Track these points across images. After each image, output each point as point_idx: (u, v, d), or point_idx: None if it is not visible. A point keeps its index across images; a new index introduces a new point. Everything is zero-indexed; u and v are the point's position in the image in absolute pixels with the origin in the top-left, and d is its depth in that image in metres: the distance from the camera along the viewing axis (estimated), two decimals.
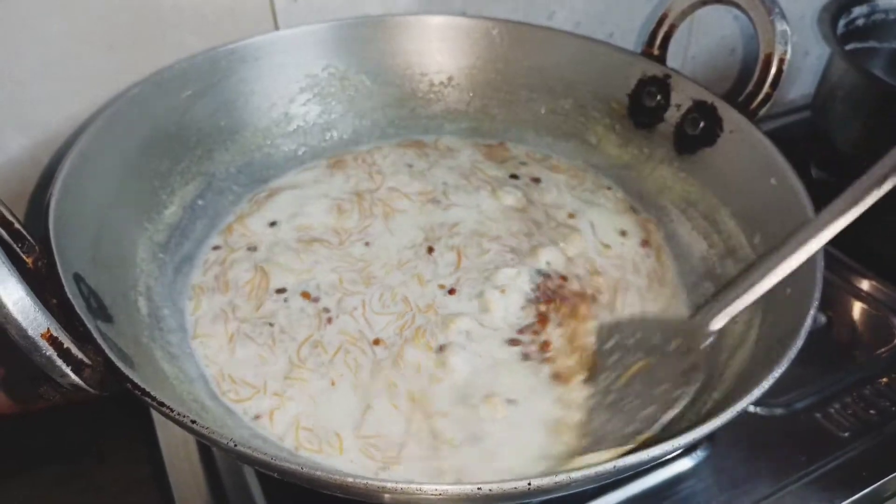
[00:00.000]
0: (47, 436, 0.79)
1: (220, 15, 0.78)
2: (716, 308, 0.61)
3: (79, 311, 0.50)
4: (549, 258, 0.74)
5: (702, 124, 0.78)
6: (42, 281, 0.52)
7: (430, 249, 0.75)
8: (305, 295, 0.70)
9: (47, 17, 0.69)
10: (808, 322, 0.55)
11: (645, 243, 0.78)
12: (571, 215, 0.80)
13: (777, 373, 0.51)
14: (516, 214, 0.80)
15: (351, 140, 0.88)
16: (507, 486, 0.43)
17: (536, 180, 0.85)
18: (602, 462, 0.45)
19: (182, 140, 0.75)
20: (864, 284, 0.84)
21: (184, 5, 0.76)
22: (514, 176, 0.85)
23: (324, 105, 0.86)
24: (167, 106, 0.74)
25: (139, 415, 0.72)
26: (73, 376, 0.45)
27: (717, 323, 0.61)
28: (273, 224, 0.77)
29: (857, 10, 0.96)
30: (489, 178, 0.85)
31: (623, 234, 0.79)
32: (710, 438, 0.68)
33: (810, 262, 0.60)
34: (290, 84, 0.83)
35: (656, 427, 0.56)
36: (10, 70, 0.70)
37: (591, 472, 0.44)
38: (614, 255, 0.76)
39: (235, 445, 0.44)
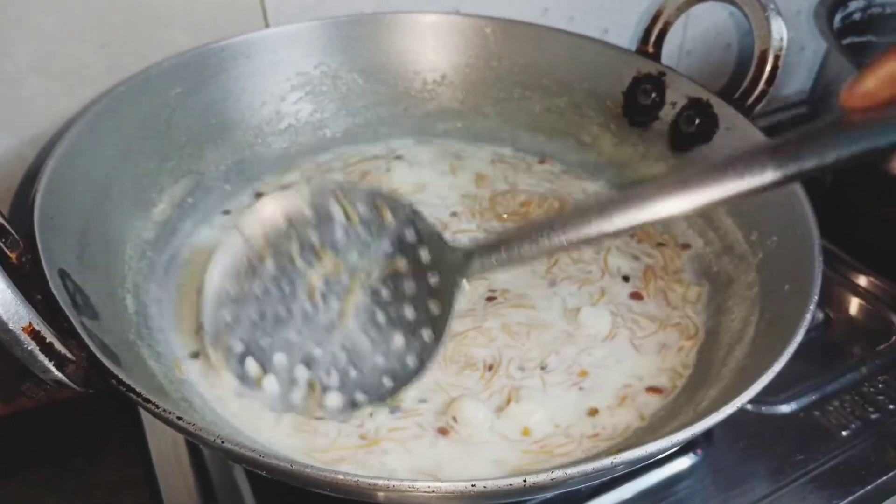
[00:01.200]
0: (36, 437, 0.78)
1: (211, 13, 0.77)
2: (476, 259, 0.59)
3: (63, 306, 0.49)
4: None
5: (697, 122, 0.77)
6: (26, 277, 0.50)
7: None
8: None
9: (39, 13, 0.69)
10: (808, 318, 0.54)
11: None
12: None
13: (776, 368, 0.51)
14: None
15: (343, 139, 0.87)
16: (503, 483, 0.42)
17: (638, 297, 0.73)
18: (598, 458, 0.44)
19: (171, 138, 0.74)
20: (863, 281, 0.83)
21: (175, 3, 0.75)
22: (626, 278, 0.74)
23: (316, 103, 0.85)
24: (156, 103, 0.73)
25: (129, 416, 0.71)
26: (55, 372, 0.44)
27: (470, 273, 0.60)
28: None
29: (854, 5, 0.95)
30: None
31: None
32: (707, 437, 0.67)
33: (809, 257, 0.60)
34: (282, 82, 0.83)
35: None
36: (0, 66, 0.69)
37: (588, 468, 0.44)
38: None
39: (223, 442, 0.43)
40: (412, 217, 0.63)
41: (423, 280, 0.63)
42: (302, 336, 0.61)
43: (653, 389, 0.63)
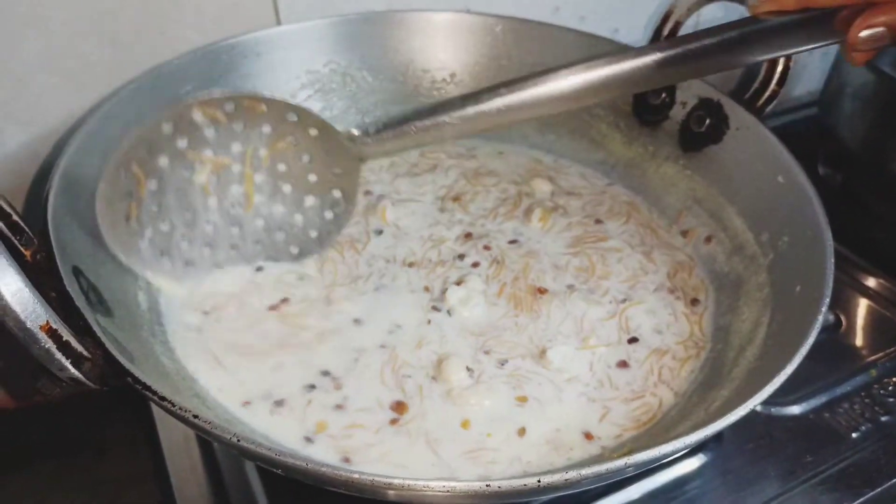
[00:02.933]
0: (46, 430, 0.78)
1: (221, 10, 0.77)
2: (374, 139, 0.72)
3: (78, 304, 0.49)
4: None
5: (708, 122, 0.77)
6: (41, 274, 0.51)
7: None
8: None
9: (48, 10, 0.68)
10: (820, 320, 0.54)
11: None
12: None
13: (789, 370, 0.51)
14: None
15: None
16: (517, 484, 0.43)
17: (624, 366, 0.66)
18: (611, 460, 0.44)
19: None
20: (873, 282, 0.83)
21: (185, 0, 0.75)
22: (633, 339, 0.68)
23: (325, 101, 0.85)
24: (167, 100, 0.73)
25: (140, 410, 0.71)
26: (72, 370, 0.44)
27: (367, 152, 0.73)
28: None
29: None
30: None
31: None
32: (716, 438, 0.67)
33: (820, 259, 0.60)
34: (292, 80, 0.83)
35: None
36: (10, 63, 0.69)
37: (602, 468, 0.44)
38: None
39: (239, 441, 0.43)
40: (288, 106, 0.68)
41: (320, 152, 0.71)
42: (216, 226, 0.68)
43: (588, 435, 0.60)
